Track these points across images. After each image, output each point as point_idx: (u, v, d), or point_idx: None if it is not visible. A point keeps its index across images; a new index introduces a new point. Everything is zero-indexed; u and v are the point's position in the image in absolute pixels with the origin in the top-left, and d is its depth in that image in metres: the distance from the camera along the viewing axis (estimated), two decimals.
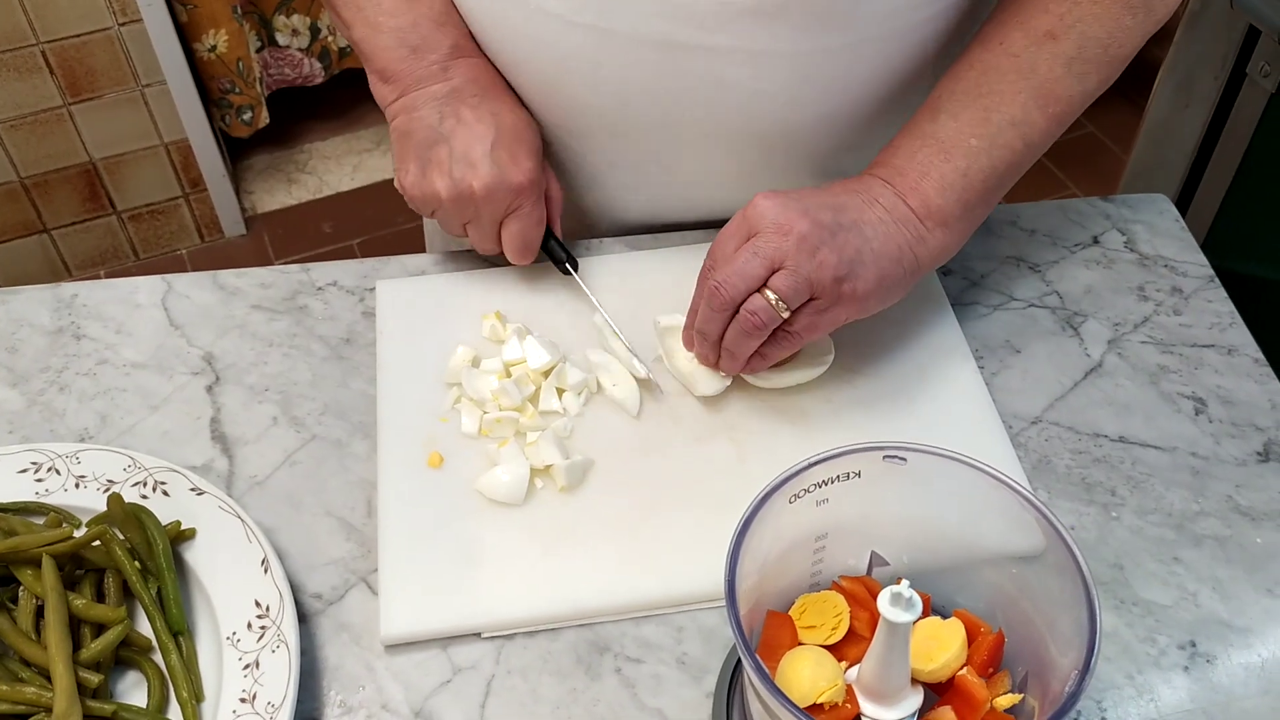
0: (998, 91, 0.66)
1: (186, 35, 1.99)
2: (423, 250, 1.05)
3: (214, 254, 2.20)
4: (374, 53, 0.74)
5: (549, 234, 0.77)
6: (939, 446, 0.55)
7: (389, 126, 0.76)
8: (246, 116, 2.14)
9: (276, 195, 2.27)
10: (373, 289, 0.80)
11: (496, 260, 0.81)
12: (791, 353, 0.69)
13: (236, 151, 2.29)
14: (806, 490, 0.55)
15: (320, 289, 0.81)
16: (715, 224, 0.82)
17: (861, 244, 0.64)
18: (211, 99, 2.10)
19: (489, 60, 0.75)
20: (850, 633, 0.58)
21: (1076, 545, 0.52)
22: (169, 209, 2.13)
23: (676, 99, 0.71)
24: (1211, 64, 1.06)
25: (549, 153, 0.81)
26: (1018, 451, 0.70)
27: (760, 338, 0.66)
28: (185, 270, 2.15)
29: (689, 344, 0.70)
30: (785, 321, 0.65)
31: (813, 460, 0.54)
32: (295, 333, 0.78)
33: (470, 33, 0.75)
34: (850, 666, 0.57)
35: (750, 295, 0.64)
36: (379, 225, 2.19)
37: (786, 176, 0.77)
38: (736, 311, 0.65)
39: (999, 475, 0.54)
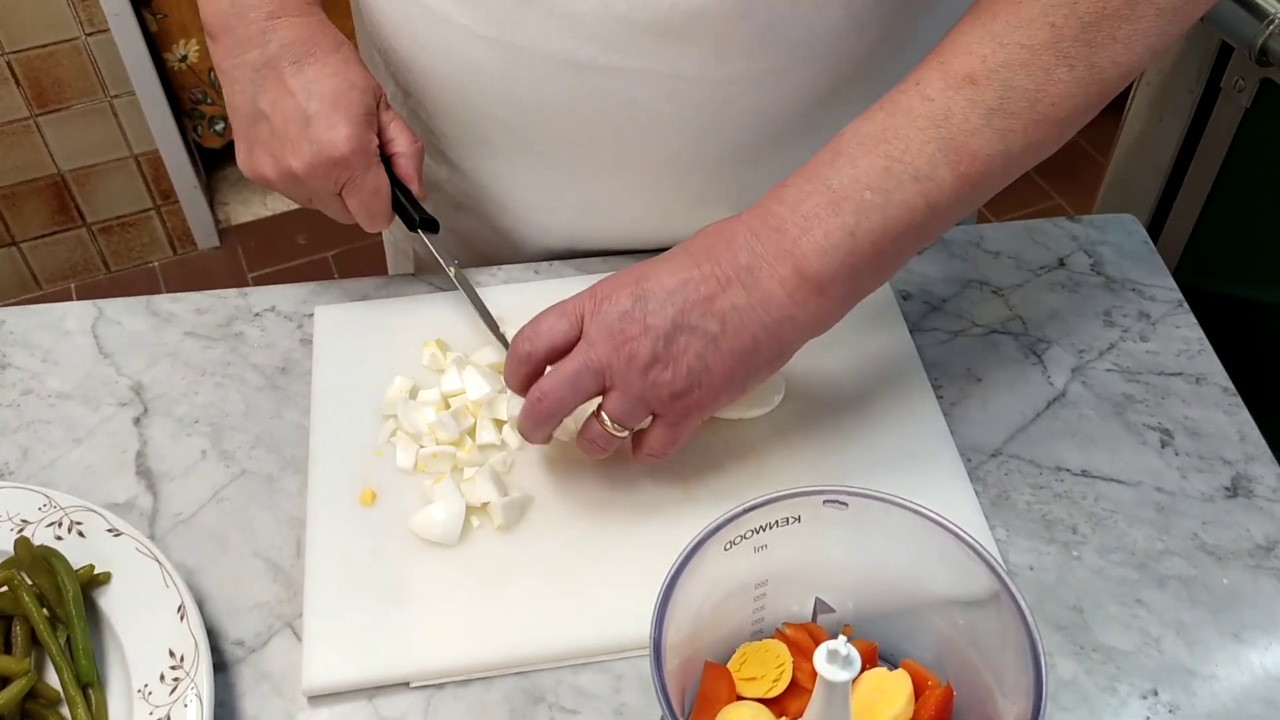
0: (905, 138, 0.57)
1: (157, 45, 1.96)
2: None
3: (187, 266, 2.17)
4: (201, 5, 0.69)
5: (404, 193, 0.71)
6: (880, 491, 0.52)
7: None
8: (219, 127, 2.11)
9: (251, 207, 2.24)
10: (312, 314, 0.77)
11: (442, 285, 0.79)
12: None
13: (211, 162, 2.27)
14: (743, 536, 0.53)
15: (257, 315, 0.78)
16: (636, 252, 0.80)
17: (704, 346, 0.57)
18: (183, 109, 2.07)
19: (317, 18, 0.69)
20: (793, 684, 0.55)
21: (1022, 595, 0.49)
22: (140, 221, 2.11)
23: (587, 119, 0.68)
24: (1186, 77, 1.03)
25: (467, 168, 0.78)
26: (976, 486, 0.68)
27: (605, 453, 0.62)
28: (158, 282, 2.13)
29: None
30: (638, 439, 0.62)
31: (747, 506, 0.52)
32: (229, 361, 0.75)
33: None
34: None
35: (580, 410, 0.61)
36: (354, 238, 2.16)
37: (705, 204, 0.74)
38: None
39: (942, 521, 0.51)
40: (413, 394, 0.71)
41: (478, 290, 0.74)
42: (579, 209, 0.77)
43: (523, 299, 0.76)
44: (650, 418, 0.61)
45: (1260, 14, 0.84)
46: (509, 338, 0.69)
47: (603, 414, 0.60)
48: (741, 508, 0.51)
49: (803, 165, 0.60)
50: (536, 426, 0.61)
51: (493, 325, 0.71)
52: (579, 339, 0.59)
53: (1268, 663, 0.60)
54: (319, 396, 0.71)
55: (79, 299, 2.12)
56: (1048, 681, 0.47)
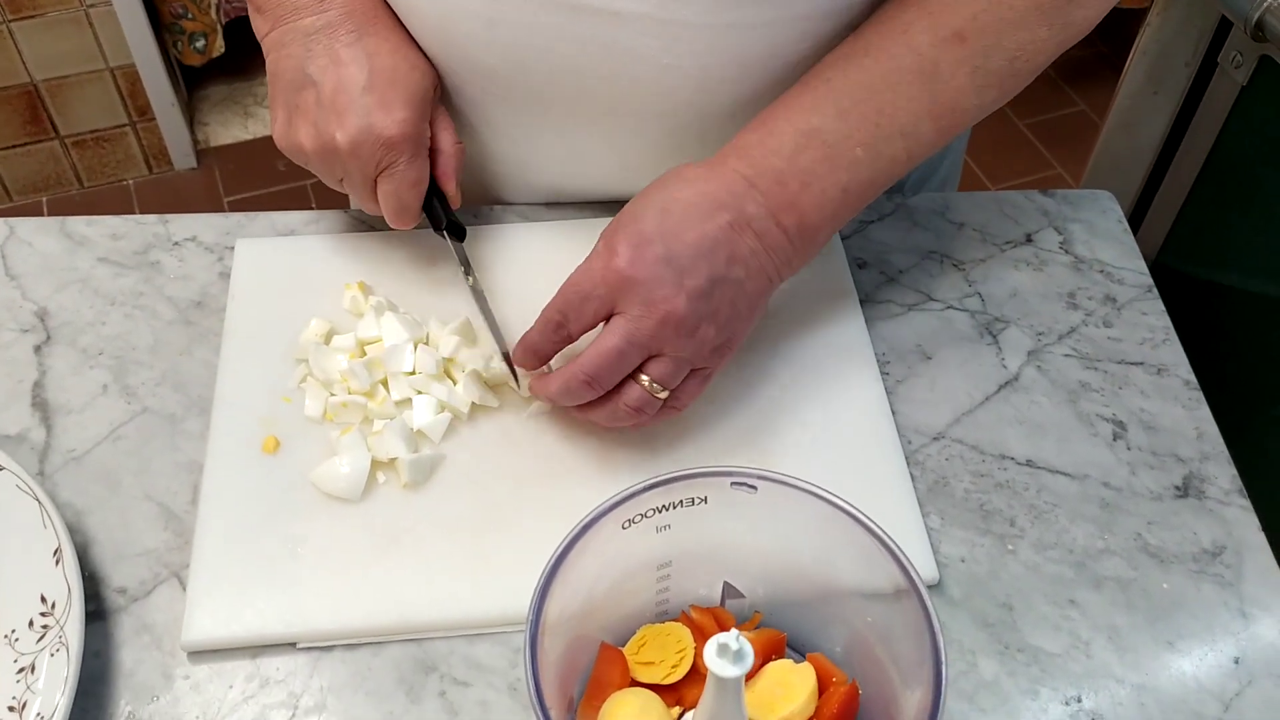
0: (894, 91, 0.58)
1: None
2: None
3: (161, 186, 2.12)
4: None
5: (435, 193, 0.68)
6: (791, 476, 0.48)
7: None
8: (199, 44, 2.05)
9: (231, 129, 2.18)
10: (233, 247, 0.73)
11: (376, 222, 0.75)
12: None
13: (192, 80, 2.21)
14: (643, 515, 0.49)
15: (177, 244, 0.74)
16: (619, 201, 0.75)
17: (736, 295, 0.58)
18: (163, 24, 2.00)
19: None
20: (693, 671, 0.52)
21: (928, 596, 0.45)
22: (115, 137, 2.05)
23: (578, 68, 0.63)
24: (1184, 50, 0.98)
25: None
26: (914, 470, 0.64)
27: (648, 417, 0.60)
28: (131, 200, 2.09)
29: (537, 386, 0.62)
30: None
31: (646, 484, 0.48)
32: (142, 291, 0.71)
33: None
34: (687, 711, 0.51)
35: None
36: None
37: (703, 154, 0.69)
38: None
39: (852, 510, 0.47)
40: (327, 338, 0.67)
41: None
42: (565, 162, 0.72)
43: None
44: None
45: None
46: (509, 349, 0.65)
47: (642, 377, 0.58)
48: (640, 486, 0.48)
49: (784, 103, 0.60)
50: (575, 399, 0.59)
51: (500, 340, 0.66)
52: (612, 313, 0.58)
53: (1201, 675, 0.57)
54: (230, 335, 0.68)
55: (50, 213, 2.08)
56: (945, 692, 0.44)
